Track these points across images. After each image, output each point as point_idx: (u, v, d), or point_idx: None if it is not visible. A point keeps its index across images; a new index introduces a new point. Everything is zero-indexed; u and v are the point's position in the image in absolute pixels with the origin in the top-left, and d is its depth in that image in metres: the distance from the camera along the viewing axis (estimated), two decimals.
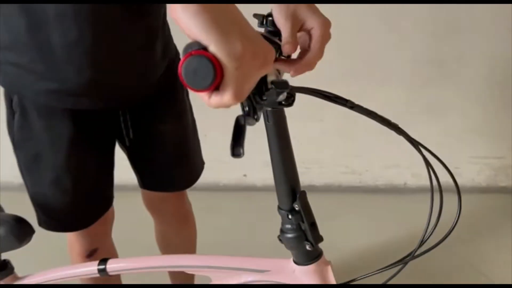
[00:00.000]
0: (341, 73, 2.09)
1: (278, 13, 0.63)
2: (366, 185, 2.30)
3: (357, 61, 2.11)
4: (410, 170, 2.23)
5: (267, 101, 0.55)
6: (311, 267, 0.74)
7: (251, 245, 1.83)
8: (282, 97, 0.55)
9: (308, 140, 2.27)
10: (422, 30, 2.03)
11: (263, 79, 0.53)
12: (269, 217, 2.06)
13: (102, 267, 0.83)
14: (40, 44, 0.82)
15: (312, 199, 2.57)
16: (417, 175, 2.22)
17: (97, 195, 1.04)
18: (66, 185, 0.95)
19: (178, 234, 1.28)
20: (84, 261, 1.03)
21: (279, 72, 0.62)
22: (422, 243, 0.75)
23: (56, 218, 0.99)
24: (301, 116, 2.16)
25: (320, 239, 0.73)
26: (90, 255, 1.07)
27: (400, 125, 0.75)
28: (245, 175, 2.38)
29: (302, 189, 0.74)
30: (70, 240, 1.10)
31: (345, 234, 1.93)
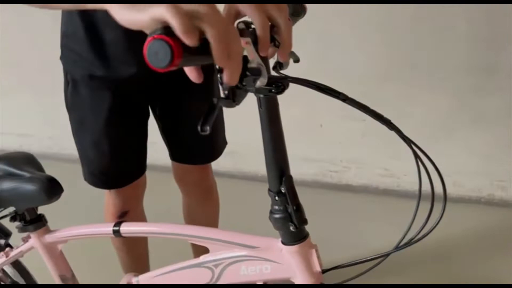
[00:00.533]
0: (389, 75, 2.08)
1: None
2: (404, 189, 2.26)
3: (407, 63, 2.08)
4: (451, 178, 2.16)
5: (246, 86, 0.60)
6: (295, 248, 0.79)
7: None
8: (259, 83, 0.60)
9: (349, 140, 2.28)
10: (476, 37, 1.96)
11: (244, 65, 0.58)
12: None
13: (116, 228, 0.93)
14: (92, 38, 1.01)
15: (348, 199, 2.58)
16: (459, 185, 2.14)
17: (131, 160, 1.19)
18: (104, 148, 1.12)
19: (201, 207, 1.40)
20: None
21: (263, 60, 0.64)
22: (404, 237, 0.78)
23: (96, 175, 1.18)
24: (344, 115, 2.18)
25: (304, 222, 0.78)
26: (121, 216, 1.23)
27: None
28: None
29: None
30: (106, 202, 1.26)
31: (377, 236, 1.92)
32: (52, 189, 0.92)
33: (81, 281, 1.10)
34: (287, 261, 0.81)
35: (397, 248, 0.81)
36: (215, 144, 1.28)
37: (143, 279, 0.98)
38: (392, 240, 0.75)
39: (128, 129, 1.15)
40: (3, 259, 1.06)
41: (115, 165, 1.17)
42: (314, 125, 2.31)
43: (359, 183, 2.35)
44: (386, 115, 0.75)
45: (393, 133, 0.75)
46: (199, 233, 0.88)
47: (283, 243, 0.80)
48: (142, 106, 1.17)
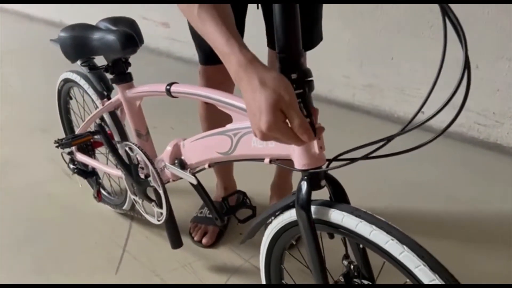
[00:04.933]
0: None
1: None
2: None
3: None
4: None
5: None
6: None
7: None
8: None
9: (510, 88, 1.88)
10: None
11: None
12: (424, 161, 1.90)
13: (168, 87, 1.02)
14: None
15: (494, 160, 2.24)
16: None
17: None
18: None
19: None
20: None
21: None
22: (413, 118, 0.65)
23: (200, 53, 1.26)
24: (508, 56, 1.80)
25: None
26: None
27: None
28: (423, 112, 2.18)
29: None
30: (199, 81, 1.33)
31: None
32: (127, 41, 1.06)
33: (154, 137, 1.25)
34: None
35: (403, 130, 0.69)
36: (312, 34, 1.25)
37: (186, 142, 1.07)
38: None
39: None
40: (101, 106, 1.28)
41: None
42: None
43: (511, 144, 1.95)
44: None
45: None
46: (227, 99, 0.89)
47: None
48: None
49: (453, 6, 0.60)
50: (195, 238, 1.47)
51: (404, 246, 0.66)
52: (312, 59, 2.62)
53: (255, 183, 1.58)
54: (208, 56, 1.25)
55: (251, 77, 0.62)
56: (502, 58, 1.85)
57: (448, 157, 1.97)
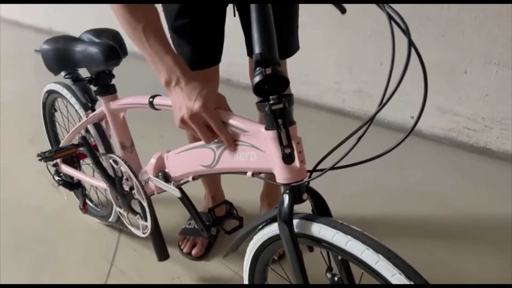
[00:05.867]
0: None
1: None
2: None
3: None
4: None
5: None
6: (273, 133, 0.73)
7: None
8: None
9: (498, 93, 1.89)
10: None
11: None
12: (415, 165, 1.90)
13: (151, 100, 1.01)
14: None
15: (483, 164, 2.23)
16: None
17: (208, 44, 1.21)
18: (185, 27, 1.14)
19: None
20: None
21: None
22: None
23: (183, 58, 1.22)
24: (495, 61, 1.81)
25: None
26: None
27: None
28: (412, 117, 2.18)
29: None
30: None
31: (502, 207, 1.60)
32: (109, 54, 1.04)
33: (142, 146, 1.24)
34: (269, 150, 0.76)
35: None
36: (288, 42, 1.25)
37: (170, 154, 1.05)
38: None
39: (207, 14, 1.15)
40: (85, 118, 1.27)
41: (194, 47, 1.19)
42: (457, 70, 1.97)
43: (500, 149, 1.95)
44: None
45: None
46: None
47: (266, 128, 0.75)
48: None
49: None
50: (184, 250, 1.45)
51: (380, 255, 0.66)
52: (303, 65, 2.61)
53: (244, 193, 1.57)
54: (192, 62, 1.22)
55: (187, 86, 0.81)
56: (490, 63, 1.85)
57: (438, 162, 1.97)
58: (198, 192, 1.52)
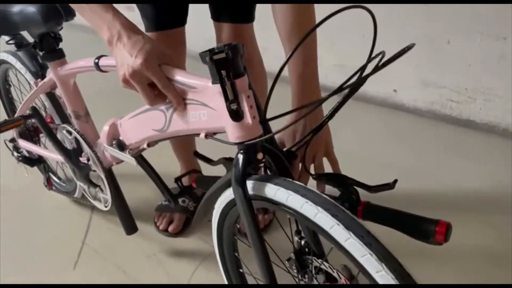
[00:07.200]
0: None
1: None
2: None
3: None
4: None
5: None
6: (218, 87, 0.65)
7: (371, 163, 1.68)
8: None
9: (481, 63, 1.82)
10: None
11: None
12: (404, 140, 1.83)
13: (96, 61, 0.92)
14: None
15: (466, 137, 2.16)
16: None
17: (171, 4, 1.16)
18: None
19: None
20: None
21: None
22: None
23: (147, 22, 1.20)
24: (479, 31, 1.74)
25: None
26: None
27: None
28: (395, 91, 2.12)
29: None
30: None
31: (483, 181, 1.54)
32: (48, 13, 0.95)
33: (94, 117, 1.16)
34: (219, 107, 0.68)
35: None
36: (250, 12, 1.21)
37: (123, 121, 0.97)
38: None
39: None
40: (35, 87, 1.18)
41: (158, 9, 1.16)
42: (440, 41, 1.89)
43: (484, 120, 1.89)
44: None
45: None
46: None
47: (212, 82, 0.67)
48: None
49: None
50: (160, 227, 1.38)
51: (318, 207, 0.59)
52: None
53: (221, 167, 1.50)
54: (155, 23, 1.19)
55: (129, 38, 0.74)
56: (473, 33, 1.78)
57: (421, 136, 1.90)
58: (174, 169, 1.45)
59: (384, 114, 2.11)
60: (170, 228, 1.37)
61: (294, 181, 0.67)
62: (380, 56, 0.66)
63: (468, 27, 1.78)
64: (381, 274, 0.54)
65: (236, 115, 0.65)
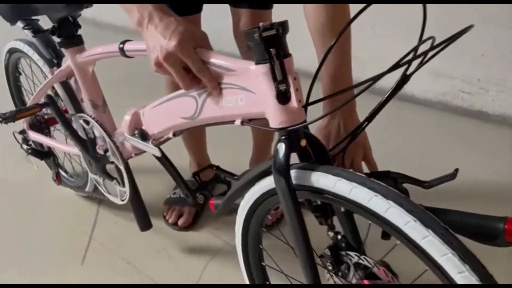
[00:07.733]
0: None
1: None
2: None
3: None
4: None
5: None
6: (265, 67, 0.62)
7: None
8: None
9: (495, 52, 1.80)
10: None
11: None
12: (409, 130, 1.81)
13: (121, 46, 0.88)
14: None
15: (478, 129, 2.13)
16: None
17: None
18: None
19: None
20: None
21: None
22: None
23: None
24: (492, 20, 1.72)
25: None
26: None
27: None
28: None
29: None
30: None
31: (493, 173, 1.53)
32: None
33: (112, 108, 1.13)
34: (261, 90, 0.65)
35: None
36: None
37: (146, 109, 0.94)
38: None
39: None
40: (50, 76, 1.13)
41: None
42: (451, 31, 1.87)
43: (496, 112, 1.87)
44: None
45: None
46: None
47: (256, 62, 0.64)
48: None
49: None
50: (170, 221, 1.35)
51: (390, 202, 0.56)
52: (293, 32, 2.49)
53: (232, 159, 1.46)
54: (171, 9, 1.13)
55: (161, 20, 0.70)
56: (486, 22, 1.76)
57: (431, 127, 1.89)
58: (184, 162, 1.41)
59: (393, 105, 2.08)
60: (180, 222, 1.33)
61: (357, 172, 0.62)
62: (431, 40, 0.63)
63: (480, 15, 1.76)
64: (464, 275, 0.50)
65: (284, 97, 0.62)
